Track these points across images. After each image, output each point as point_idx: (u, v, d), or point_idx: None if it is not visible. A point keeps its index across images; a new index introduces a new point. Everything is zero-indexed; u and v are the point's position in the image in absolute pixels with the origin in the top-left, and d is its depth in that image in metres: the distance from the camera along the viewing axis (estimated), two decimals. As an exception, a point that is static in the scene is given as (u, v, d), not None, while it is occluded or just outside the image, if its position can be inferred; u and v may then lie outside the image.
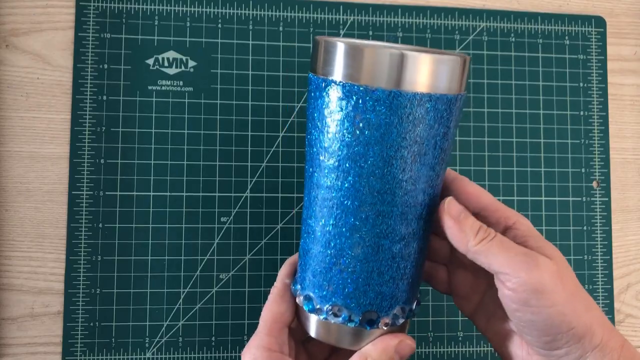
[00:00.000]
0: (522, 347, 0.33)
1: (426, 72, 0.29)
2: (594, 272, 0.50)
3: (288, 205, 0.47)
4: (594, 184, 0.50)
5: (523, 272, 0.29)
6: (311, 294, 0.33)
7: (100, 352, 0.44)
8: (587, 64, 0.51)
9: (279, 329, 0.35)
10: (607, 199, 0.51)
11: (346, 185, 0.31)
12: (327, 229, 0.32)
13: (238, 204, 0.47)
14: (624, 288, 0.51)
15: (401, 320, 0.33)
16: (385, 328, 0.33)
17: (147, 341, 0.45)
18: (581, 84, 0.51)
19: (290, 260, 0.37)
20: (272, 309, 0.35)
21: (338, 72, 0.30)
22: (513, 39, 0.51)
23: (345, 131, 0.30)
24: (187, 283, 0.46)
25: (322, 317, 0.33)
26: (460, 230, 0.31)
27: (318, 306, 0.33)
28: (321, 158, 0.31)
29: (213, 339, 0.46)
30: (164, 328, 0.45)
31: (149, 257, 0.45)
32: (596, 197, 0.50)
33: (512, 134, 0.50)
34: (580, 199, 0.50)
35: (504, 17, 0.51)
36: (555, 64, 0.51)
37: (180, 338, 0.45)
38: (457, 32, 0.50)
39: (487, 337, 0.36)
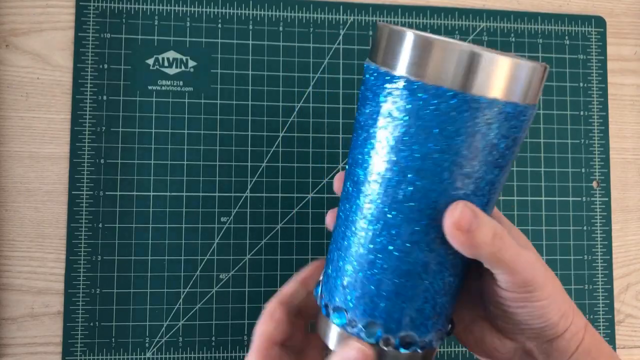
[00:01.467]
0: (490, 333, 0.33)
1: (502, 76, 0.26)
2: (594, 272, 0.50)
3: (288, 205, 0.47)
4: (594, 184, 0.50)
5: (521, 275, 0.29)
6: (342, 306, 0.30)
7: (100, 352, 0.44)
8: (587, 64, 0.51)
9: (269, 348, 0.34)
10: (607, 199, 0.51)
11: (400, 192, 0.27)
12: (373, 245, 0.29)
13: (238, 204, 0.47)
14: (624, 288, 0.50)
15: (435, 344, 0.31)
16: (420, 352, 0.30)
17: (147, 341, 0.45)
18: (581, 84, 0.51)
19: (293, 282, 0.36)
20: (262, 328, 0.35)
21: (402, 65, 0.27)
22: (513, 39, 0.51)
23: (404, 135, 0.27)
24: (187, 283, 0.46)
25: (352, 332, 0.30)
26: (471, 244, 0.27)
27: (350, 320, 0.30)
28: (371, 164, 0.28)
29: (213, 339, 0.46)
30: (164, 328, 0.45)
31: (149, 257, 0.45)
32: (596, 197, 0.50)
33: (512, 134, 0.50)
34: (580, 199, 0.50)
35: (504, 17, 0.51)
36: (555, 64, 0.51)
37: (180, 338, 0.45)
38: (457, 32, 0.50)
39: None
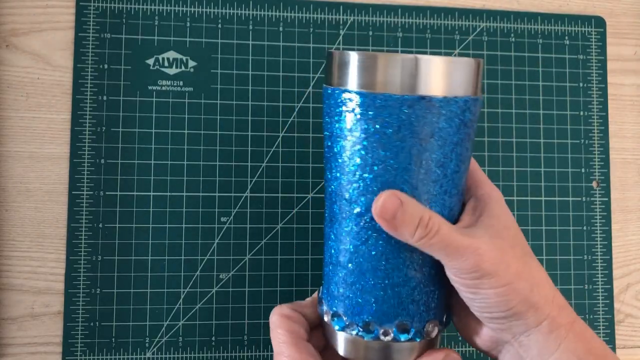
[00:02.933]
0: (473, 318, 0.34)
1: (440, 75, 0.29)
2: (594, 272, 0.50)
3: (288, 205, 0.47)
4: (594, 184, 0.50)
5: (461, 263, 0.30)
6: (340, 311, 0.33)
7: (100, 352, 0.44)
8: (587, 64, 0.51)
9: (303, 343, 0.35)
10: (607, 199, 0.51)
11: (361, 195, 0.31)
12: (353, 244, 0.32)
13: (238, 204, 0.47)
14: (624, 288, 0.51)
15: (434, 333, 0.33)
16: (418, 340, 0.33)
17: (147, 341, 0.45)
18: (581, 84, 0.51)
19: (308, 300, 0.38)
20: (286, 327, 0.35)
21: (353, 81, 0.30)
22: (513, 39, 0.51)
23: (364, 140, 0.30)
24: (187, 283, 0.46)
25: (353, 333, 0.32)
26: (396, 230, 0.30)
27: (348, 322, 0.33)
28: (342, 169, 0.31)
29: (213, 339, 0.46)
30: (164, 328, 0.45)
31: (149, 257, 0.45)
32: (596, 197, 0.50)
33: (512, 134, 0.50)
34: (580, 199, 0.50)
35: (504, 17, 0.51)
36: (555, 64, 0.51)
37: (180, 338, 0.45)
38: (457, 32, 0.50)
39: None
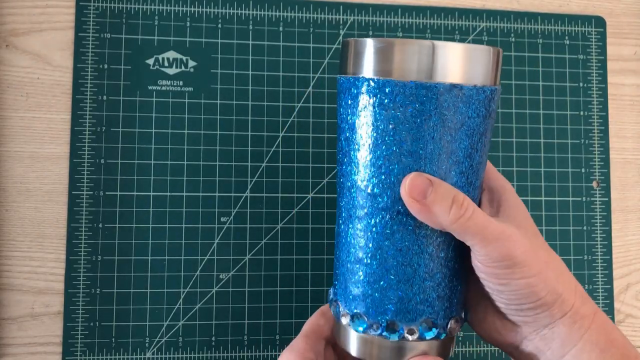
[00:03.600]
0: (491, 313, 0.33)
1: (457, 62, 0.29)
2: (594, 272, 0.50)
3: (288, 205, 0.47)
4: (594, 184, 0.50)
5: (496, 251, 0.29)
6: (361, 312, 0.31)
7: (100, 352, 0.44)
8: (587, 64, 0.51)
9: (316, 339, 0.35)
10: (607, 199, 0.51)
11: (387, 188, 0.30)
12: (377, 240, 0.31)
13: (238, 204, 0.47)
14: (624, 288, 0.51)
15: (457, 330, 0.33)
16: (442, 338, 0.32)
17: (147, 341, 0.45)
18: (581, 84, 0.51)
19: None
20: (312, 321, 0.36)
21: (369, 69, 0.29)
22: (513, 39, 0.51)
23: (382, 129, 0.29)
24: (187, 283, 0.46)
25: (376, 333, 0.31)
26: (427, 213, 0.29)
27: (371, 323, 0.31)
28: (364, 162, 0.30)
29: (213, 339, 0.46)
30: (164, 328, 0.45)
31: (149, 257, 0.45)
32: (596, 197, 0.50)
33: (512, 134, 0.50)
34: (580, 199, 0.50)
35: (504, 17, 0.51)
36: (555, 64, 0.51)
37: (180, 338, 0.45)
38: (457, 32, 0.50)
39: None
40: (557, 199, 0.50)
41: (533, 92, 0.50)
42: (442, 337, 0.31)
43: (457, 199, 0.29)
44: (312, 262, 0.47)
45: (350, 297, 0.32)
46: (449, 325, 0.32)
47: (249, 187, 0.47)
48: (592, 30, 0.52)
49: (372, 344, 0.32)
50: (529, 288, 0.30)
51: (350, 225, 0.31)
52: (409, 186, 0.29)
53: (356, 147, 0.30)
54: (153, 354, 0.45)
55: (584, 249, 0.50)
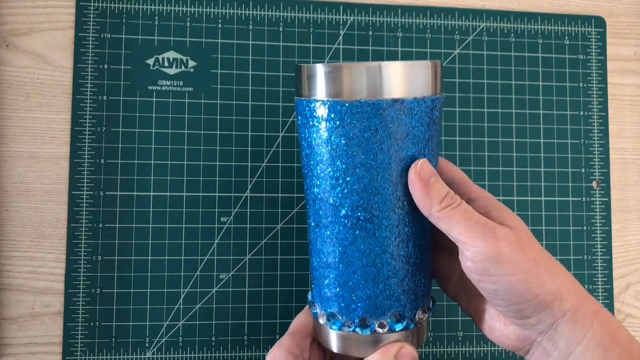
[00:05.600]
0: (499, 320, 0.34)
1: (398, 79, 0.32)
2: (594, 272, 0.50)
3: (288, 205, 0.47)
4: (594, 184, 0.50)
5: (480, 241, 0.30)
6: (335, 312, 0.34)
7: (100, 352, 0.44)
8: (587, 64, 0.51)
9: (302, 336, 0.36)
10: (607, 199, 0.51)
11: (346, 198, 0.32)
12: (342, 245, 0.33)
13: (238, 204, 0.47)
14: (624, 288, 0.51)
15: (425, 319, 0.35)
16: (411, 328, 0.34)
17: (147, 341, 0.45)
18: (581, 84, 0.51)
19: None
20: (298, 319, 0.37)
21: (321, 92, 0.32)
22: (513, 39, 0.51)
23: (336, 145, 0.32)
24: (187, 283, 0.46)
25: (350, 330, 0.34)
26: (426, 194, 0.31)
27: (344, 321, 0.34)
28: (324, 176, 0.33)
29: (213, 339, 0.46)
30: (164, 328, 0.45)
31: (149, 257, 0.45)
32: (596, 197, 0.50)
33: (512, 134, 0.50)
34: (580, 199, 0.50)
35: (504, 17, 0.51)
36: (555, 64, 0.51)
37: (180, 338, 0.45)
38: (457, 32, 0.50)
39: (470, 316, 0.37)
40: (557, 199, 0.50)
41: (533, 92, 0.50)
42: (411, 327, 0.34)
43: (450, 193, 0.32)
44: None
45: (325, 298, 0.35)
46: (416, 316, 0.34)
47: (249, 187, 0.47)
48: (592, 30, 0.52)
49: (349, 340, 0.34)
50: (522, 284, 0.30)
51: (318, 233, 0.34)
52: (420, 168, 0.31)
53: (315, 162, 0.33)
54: (153, 354, 0.45)
55: (584, 249, 0.50)
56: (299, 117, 0.34)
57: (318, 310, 0.35)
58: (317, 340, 0.37)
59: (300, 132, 0.34)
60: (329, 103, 0.32)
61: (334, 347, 0.35)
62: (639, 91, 0.52)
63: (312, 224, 0.35)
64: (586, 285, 0.49)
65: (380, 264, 0.33)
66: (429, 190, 0.31)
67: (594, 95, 0.51)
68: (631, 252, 0.51)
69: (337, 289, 0.34)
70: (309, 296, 0.37)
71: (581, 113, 0.51)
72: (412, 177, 0.31)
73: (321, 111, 0.32)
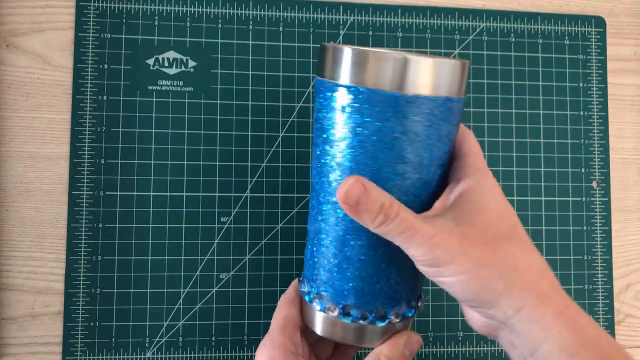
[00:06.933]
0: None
1: (427, 75, 0.30)
2: (594, 272, 0.50)
3: (288, 205, 0.47)
4: (594, 184, 0.50)
5: (418, 250, 0.30)
6: (323, 293, 0.34)
7: (100, 352, 0.44)
8: (587, 64, 0.51)
9: (292, 330, 0.36)
10: (607, 199, 0.51)
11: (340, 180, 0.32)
12: (338, 235, 0.33)
13: (238, 204, 0.47)
14: (624, 288, 0.51)
15: (409, 315, 0.35)
16: (395, 322, 0.34)
17: (147, 341, 0.45)
18: (581, 84, 0.51)
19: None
20: (284, 312, 0.37)
21: (345, 76, 0.31)
22: (513, 39, 0.51)
23: (352, 132, 0.31)
24: (187, 283, 0.46)
25: (333, 315, 0.34)
26: (358, 217, 0.31)
27: (329, 305, 0.34)
28: (329, 160, 0.32)
29: (213, 339, 0.46)
30: (164, 328, 0.45)
31: (149, 257, 0.45)
32: (596, 197, 0.50)
33: (512, 134, 0.50)
34: (580, 199, 0.50)
35: (504, 17, 0.51)
36: (555, 64, 0.51)
37: (180, 338, 0.45)
38: (457, 32, 0.50)
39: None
40: (557, 199, 0.50)
41: (533, 92, 0.50)
42: (394, 323, 0.34)
43: (384, 205, 0.30)
44: (312, 262, 0.47)
45: (314, 278, 0.35)
46: (401, 312, 0.34)
47: (249, 187, 0.47)
48: (592, 30, 0.52)
49: (333, 324, 0.34)
50: (460, 285, 0.30)
51: (320, 215, 0.34)
52: (344, 193, 0.30)
53: (327, 145, 0.32)
54: (153, 354, 0.45)
55: (584, 249, 0.50)
56: (318, 97, 0.33)
57: (306, 288, 0.35)
58: (302, 333, 0.37)
59: (316, 112, 0.34)
60: (351, 88, 0.31)
61: (318, 329, 0.35)
62: (639, 91, 0.52)
63: (315, 206, 0.34)
64: (586, 286, 0.50)
65: (370, 260, 0.33)
66: (359, 213, 0.30)
67: (594, 95, 0.51)
68: (631, 252, 0.51)
69: (327, 273, 0.34)
70: (301, 276, 0.37)
71: (581, 113, 0.51)
72: (340, 203, 0.30)
73: (341, 95, 0.31)
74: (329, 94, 0.32)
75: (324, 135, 0.33)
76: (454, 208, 0.32)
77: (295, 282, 0.39)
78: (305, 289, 0.36)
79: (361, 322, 0.33)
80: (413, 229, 0.30)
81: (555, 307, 0.29)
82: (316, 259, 0.35)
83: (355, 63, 0.31)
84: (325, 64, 0.32)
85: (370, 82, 0.30)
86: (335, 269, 0.34)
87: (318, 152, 0.33)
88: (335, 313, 0.34)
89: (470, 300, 0.31)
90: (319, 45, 0.48)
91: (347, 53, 0.31)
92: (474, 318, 0.33)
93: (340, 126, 0.32)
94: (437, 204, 0.33)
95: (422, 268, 0.31)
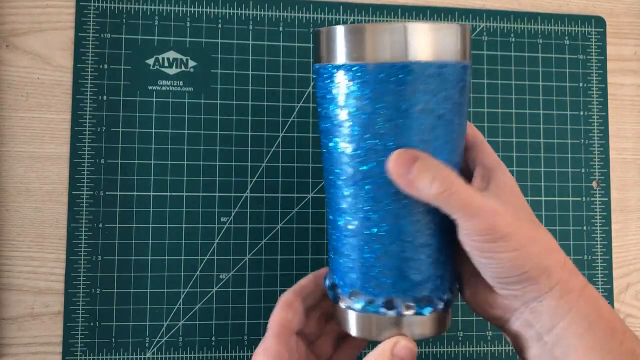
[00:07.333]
0: (482, 286, 0.33)
1: (429, 41, 0.29)
2: (594, 272, 0.50)
3: (288, 205, 0.47)
4: (594, 184, 0.50)
5: (478, 224, 0.30)
6: (358, 291, 0.32)
7: (100, 352, 0.44)
8: (587, 64, 0.51)
9: (287, 335, 0.35)
10: (607, 199, 0.51)
11: (369, 167, 0.30)
12: (363, 223, 0.31)
13: (238, 204, 0.47)
14: (624, 288, 0.51)
15: (450, 303, 0.33)
16: (438, 311, 0.32)
17: (147, 341, 0.45)
18: (581, 84, 0.51)
19: (309, 277, 0.38)
20: (279, 317, 0.36)
21: (342, 55, 0.30)
22: (513, 39, 0.51)
23: (360, 111, 0.30)
24: (187, 283, 0.46)
25: (374, 311, 0.32)
26: (411, 187, 0.30)
27: (368, 300, 0.32)
28: (340, 146, 0.31)
29: (213, 339, 0.46)
30: (164, 328, 0.45)
31: (149, 257, 0.45)
32: (596, 197, 0.50)
33: (512, 134, 0.50)
34: (580, 198, 0.50)
35: (504, 17, 0.51)
36: (555, 64, 0.51)
37: (180, 338, 0.45)
38: (457, 32, 0.50)
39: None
40: (557, 199, 0.50)
41: (533, 92, 0.50)
42: (438, 310, 0.32)
43: (440, 173, 0.30)
44: (312, 262, 0.47)
45: (348, 278, 0.33)
46: (445, 298, 0.33)
47: (249, 187, 0.47)
48: (592, 30, 0.52)
49: (372, 321, 0.32)
50: (513, 261, 0.30)
51: (342, 213, 0.32)
52: (394, 161, 0.30)
53: (335, 131, 0.31)
54: (153, 354, 0.45)
55: (584, 249, 0.50)
56: (318, 84, 0.32)
57: (339, 291, 0.33)
58: (299, 335, 0.36)
59: (318, 100, 0.32)
60: (350, 67, 0.30)
61: (353, 330, 0.33)
62: (639, 91, 0.52)
63: (331, 197, 0.33)
64: (586, 285, 0.50)
65: (411, 246, 0.31)
66: (413, 182, 0.29)
67: (594, 95, 0.51)
68: (631, 252, 0.51)
69: (363, 269, 0.32)
70: (328, 278, 0.35)
71: (581, 113, 0.51)
72: (390, 174, 0.30)
73: (341, 76, 0.30)
74: (328, 78, 0.31)
75: (331, 123, 0.31)
76: (492, 187, 0.32)
77: (296, 285, 0.38)
78: (339, 292, 0.34)
79: (405, 312, 0.31)
80: (475, 200, 0.30)
81: (579, 283, 0.32)
82: (347, 259, 0.33)
83: (351, 40, 0.30)
84: (320, 49, 0.32)
85: (369, 56, 0.29)
86: (373, 265, 0.32)
87: (329, 142, 0.32)
88: (377, 308, 0.32)
89: (515, 276, 0.31)
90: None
91: (341, 31, 0.30)
92: (494, 301, 0.33)
93: (346, 110, 0.30)
94: (476, 182, 0.33)
95: (474, 243, 0.30)
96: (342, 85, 0.30)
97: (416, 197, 0.30)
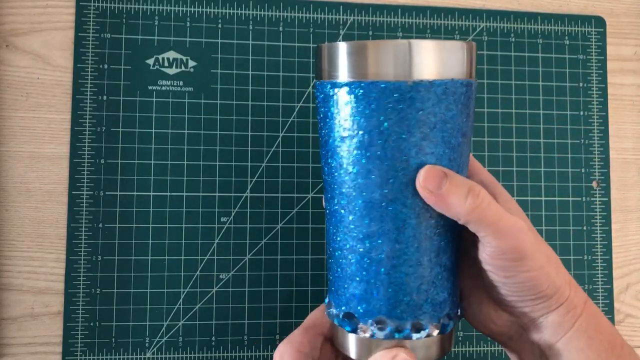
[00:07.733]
0: (488, 304, 0.33)
1: (433, 58, 0.29)
2: (594, 272, 0.50)
3: (288, 205, 0.47)
4: (594, 184, 0.50)
5: (507, 243, 0.29)
6: (352, 312, 0.31)
7: (100, 352, 0.44)
8: (587, 64, 0.51)
9: (315, 333, 0.34)
10: (607, 199, 0.51)
11: (371, 184, 0.30)
12: (361, 242, 0.30)
13: (238, 204, 0.47)
14: (624, 288, 0.51)
15: (449, 327, 0.32)
16: (434, 335, 0.31)
17: (147, 341, 0.45)
18: (581, 84, 0.51)
19: (321, 306, 0.37)
20: (313, 315, 0.35)
21: (344, 73, 0.29)
22: (513, 39, 0.51)
23: (361, 130, 0.29)
24: (187, 283, 0.46)
25: (367, 334, 0.31)
26: (444, 203, 0.29)
27: (360, 324, 0.31)
28: (342, 164, 0.30)
29: (213, 339, 0.46)
30: (164, 328, 0.45)
31: (149, 257, 0.45)
32: (596, 197, 0.50)
33: (512, 134, 0.50)
34: (580, 198, 0.50)
35: (504, 17, 0.51)
36: (555, 64, 0.51)
37: (180, 338, 0.45)
38: (457, 32, 0.50)
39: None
40: (557, 199, 0.50)
41: (533, 92, 0.50)
42: (433, 336, 0.31)
43: (473, 189, 0.29)
44: (312, 262, 0.47)
45: (342, 297, 0.32)
46: (441, 322, 0.31)
47: (249, 187, 0.47)
48: (592, 30, 0.52)
49: (369, 345, 0.31)
50: (533, 281, 0.30)
51: (341, 230, 0.31)
52: (424, 178, 0.29)
53: (336, 149, 0.30)
54: (153, 354, 0.45)
55: (584, 249, 0.50)
56: (319, 101, 0.31)
57: (334, 310, 0.33)
58: (329, 342, 0.35)
59: (319, 118, 0.32)
60: (352, 85, 0.29)
61: (352, 352, 0.32)
62: (639, 91, 0.52)
63: (334, 217, 0.32)
64: (586, 286, 0.50)
65: (408, 265, 0.30)
66: (446, 197, 0.29)
67: (594, 95, 0.51)
68: (631, 252, 0.51)
69: (357, 288, 0.31)
70: (326, 297, 0.34)
71: (581, 113, 0.51)
72: (421, 191, 0.29)
73: (343, 94, 0.29)
74: (330, 96, 0.30)
75: (331, 139, 0.31)
76: (501, 204, 0.31)
77: (306, 321, 0.36)
78: (333, 311, 0.33)
79: (397, 335, 0.30)
80: (506, 219, 0.29)
81: (581, 298, 0.32)
82: (342, 277, 0.32)
83: (353, 57, 0.29)
84: (322, 66, 0.31)
85: (371, 74, 0.29)
86: (367, 283, 0.31)
87: (330, 160, 0.31)
88: (370, 332, 0.31)
89: (532, 294, 0.31)
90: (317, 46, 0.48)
91: (343, 48, 0.29)
92: (499, 318, 0.33)
93: (348, 128, 0.30)
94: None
95: (497, 262, 0.30)
96: (343, 103, 0.29)
97: (447, 214, 0.29)
